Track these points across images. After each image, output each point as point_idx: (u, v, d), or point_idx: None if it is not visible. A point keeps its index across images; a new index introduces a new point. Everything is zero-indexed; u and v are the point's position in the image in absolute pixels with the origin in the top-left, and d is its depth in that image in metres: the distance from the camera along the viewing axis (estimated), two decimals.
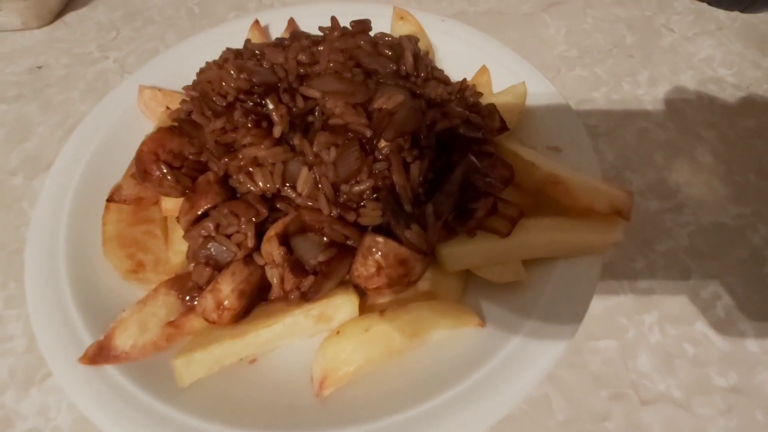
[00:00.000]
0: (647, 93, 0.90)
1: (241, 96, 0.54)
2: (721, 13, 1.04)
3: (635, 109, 0.88)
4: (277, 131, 0.53)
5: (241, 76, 0.54)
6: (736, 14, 1.03)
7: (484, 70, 0.76)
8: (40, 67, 0.98)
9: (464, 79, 0.68)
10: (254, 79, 0.54)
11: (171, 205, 0.61)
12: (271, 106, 0.53)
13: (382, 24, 0.80)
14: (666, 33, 1.01)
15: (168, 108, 0.70)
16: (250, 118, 0.52)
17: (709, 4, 1.05)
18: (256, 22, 0.81)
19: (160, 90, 0.73)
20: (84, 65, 0.98)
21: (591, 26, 1.03)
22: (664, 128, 0.85)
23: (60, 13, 1.08)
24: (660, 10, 1.05)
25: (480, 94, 0.67)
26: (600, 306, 0.65)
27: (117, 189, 0.61)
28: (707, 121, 0.85)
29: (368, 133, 0.52)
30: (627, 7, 1.06)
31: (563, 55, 0.97)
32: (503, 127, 0.64)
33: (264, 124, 0.53)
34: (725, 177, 0.78)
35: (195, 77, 0.66)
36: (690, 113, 0.87)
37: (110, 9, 1.10)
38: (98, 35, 1.04)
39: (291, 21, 0.83)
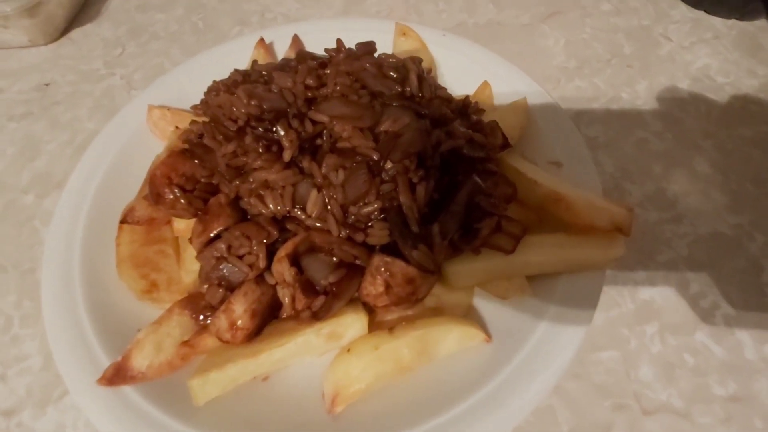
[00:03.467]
0: (646, 103, 0.91)
1: (252, 123, 0.55)
2: (717, 22, 1.05)
3: (634, 120, 0.89)
4: (287, 155, 0.54)
5: (252, 102, 0.55)
6: (732, 22, 1.04)
7: (486, 85, 0.77)
8: (47, 84, 0.99)
9: (467, 97, 0.69)
10: (264, 106, 0.55)
11: (183, 225, 0.62)
12: (281, 132, 0.54)
13: (383, 39, 0.81)
14: (664, 42, 1.02)
15: (177, 127, 0.71)
16: (260, 143, 0.54)
17: (707, 12, 1.06)
18: (261, 40, 0.82)
19: (168, 109, 0.74)
20: (91, 82, 0.99)
21: (590, 36, 1.04)
22: (663, 138, 0.86)
23: (66, 30, 1.09)
24: (657, 19, 1.06)
25: (482, 111, 0.69)
26: (602, 317, 0.67)
27: (130, 210, 0.63)
28: (704, 131, 0.86)
29: (375, 156, 0.54)
30: (625, 16, 1.07)
31: (562, 66, 0.98)
32: (505, 144, 0.66)
33: (274, 148, 0.55)
34: (722, 186, 0.79)
35: (202, 96, 0.68)
36: (688, 123, 0.88)
37: (115, 25, 1.11)
38: (104, 51, 1.05)
39: (295, 38, 0.84)
